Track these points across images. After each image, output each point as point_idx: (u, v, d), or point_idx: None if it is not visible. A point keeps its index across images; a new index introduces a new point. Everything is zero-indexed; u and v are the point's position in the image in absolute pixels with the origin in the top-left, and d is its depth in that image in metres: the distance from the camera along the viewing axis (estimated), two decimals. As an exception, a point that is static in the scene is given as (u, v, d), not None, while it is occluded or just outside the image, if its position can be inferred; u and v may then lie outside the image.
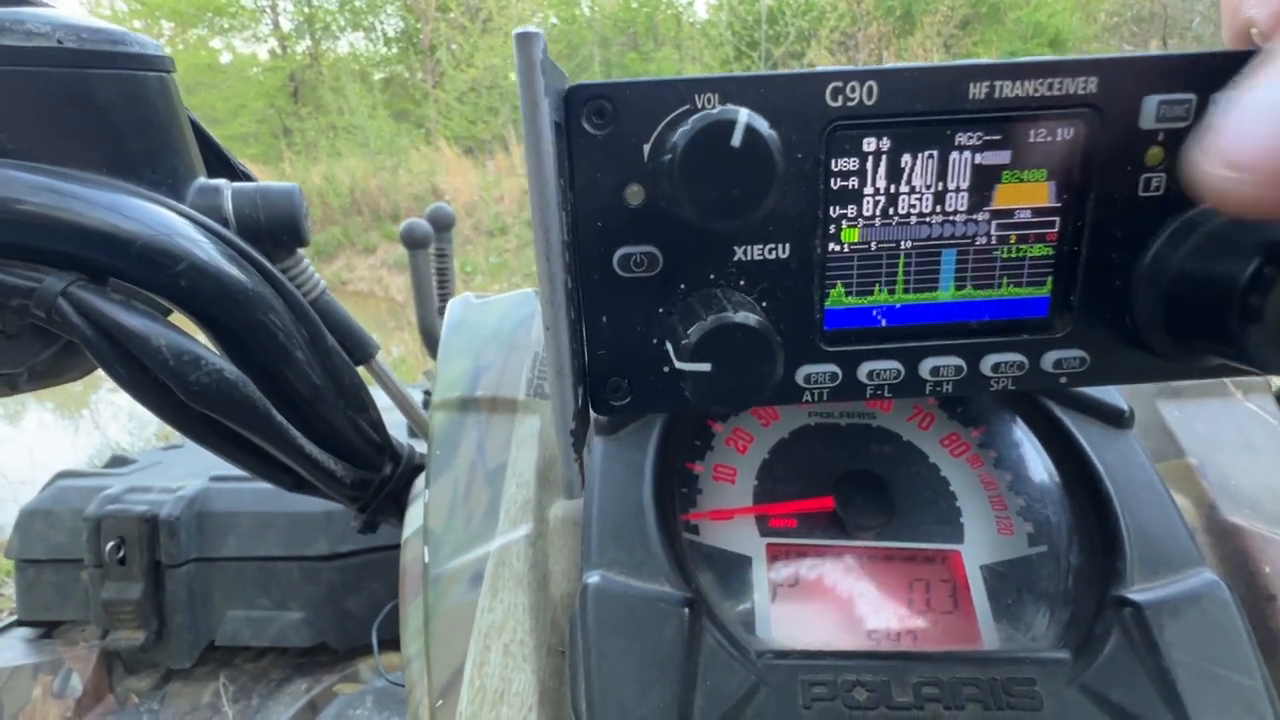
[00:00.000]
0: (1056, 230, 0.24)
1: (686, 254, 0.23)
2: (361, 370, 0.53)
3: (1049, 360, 0.25)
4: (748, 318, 0.22)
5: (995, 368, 0.25)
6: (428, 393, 0.57)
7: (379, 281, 6.94)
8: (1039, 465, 0.36)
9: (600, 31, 10.14)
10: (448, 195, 7.42)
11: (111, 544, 0.92)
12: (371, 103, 9.53)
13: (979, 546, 0.34)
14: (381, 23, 11.54)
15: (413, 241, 1.25)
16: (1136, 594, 0.29)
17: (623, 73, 9.78)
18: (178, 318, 0.38)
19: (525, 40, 0.18)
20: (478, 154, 8.63)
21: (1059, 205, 0.24)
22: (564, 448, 0.22)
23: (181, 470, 1.06)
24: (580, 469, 0.24)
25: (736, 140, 0.20)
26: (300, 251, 0.49)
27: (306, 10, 11.35)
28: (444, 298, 1.32)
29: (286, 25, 11.54)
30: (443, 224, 1.30)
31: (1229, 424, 0.38)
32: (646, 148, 0.22)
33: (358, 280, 7.15)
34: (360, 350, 0.54)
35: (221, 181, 0.42)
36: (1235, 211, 0.20)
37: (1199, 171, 0.20)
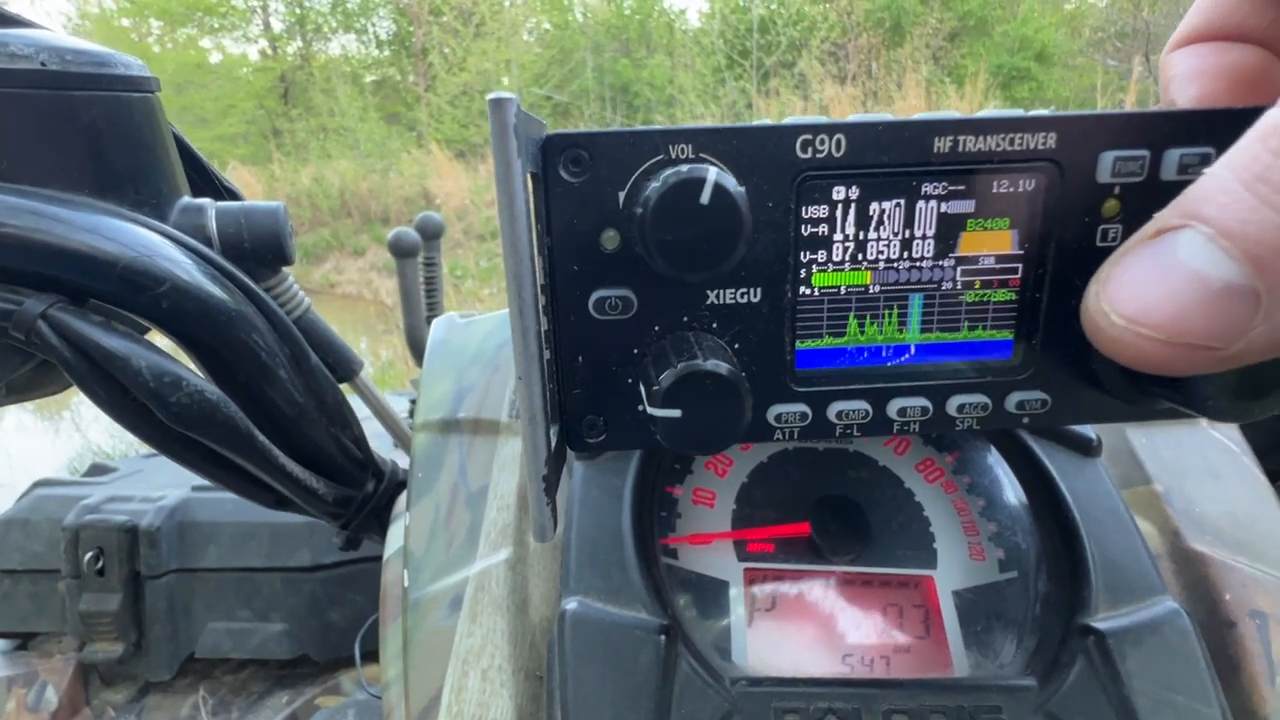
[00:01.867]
0: (1019, 277, 0.25)
1: (660, 298, 0.24)
2: (345, 386, 0.53)
3: (1012, 401, 0.26)
4: (718, 365, 0.22)
5: (960, 408, 0.26)
6: (414, 401, 0.57)
7: (368, 284, 6.90)
8: (1010, 492, 0.37)
9: (593, 38, 10.17)
10: (439, 199, 7.40)
11: (90, 554, 0.91)
12: (362, 105, 9.49)
13: (951, 572, 0.34)
14: (374, 25, 11.53)
15: (401, 250, 1.25)
16: (1100, 622, 0.30)
17: (615, 78, 9.81)
18: (160, 338, 0.38)
19: (499, 105, 0.18)
20: (469, 158, 8.61)
21: (1021, 253, 0.25)
22: (535, 493, 0.23)
23: (163, 479, 1.05)
24: (553, 513, 0.24)
25: (705, 198, 0.21)
26: (285, 270, 0.49)
27: (298, 11, 11.30)
28: (432, 306, 1.32)
29: (277, 26, 11.49)
30: (431, 233, 1.30)
31: (1194, 451, 0.39)
32: (622, 195, 0.23)
33: (346, 283, 7.11)
34: (344, 367, 0.54)
35: (205, 201, 0.42)
36: (1131, 364, 0.19)
37: (1092, 319, 0.20)
